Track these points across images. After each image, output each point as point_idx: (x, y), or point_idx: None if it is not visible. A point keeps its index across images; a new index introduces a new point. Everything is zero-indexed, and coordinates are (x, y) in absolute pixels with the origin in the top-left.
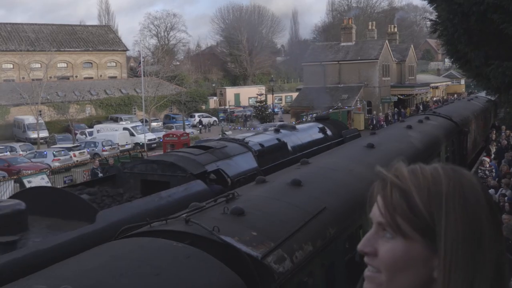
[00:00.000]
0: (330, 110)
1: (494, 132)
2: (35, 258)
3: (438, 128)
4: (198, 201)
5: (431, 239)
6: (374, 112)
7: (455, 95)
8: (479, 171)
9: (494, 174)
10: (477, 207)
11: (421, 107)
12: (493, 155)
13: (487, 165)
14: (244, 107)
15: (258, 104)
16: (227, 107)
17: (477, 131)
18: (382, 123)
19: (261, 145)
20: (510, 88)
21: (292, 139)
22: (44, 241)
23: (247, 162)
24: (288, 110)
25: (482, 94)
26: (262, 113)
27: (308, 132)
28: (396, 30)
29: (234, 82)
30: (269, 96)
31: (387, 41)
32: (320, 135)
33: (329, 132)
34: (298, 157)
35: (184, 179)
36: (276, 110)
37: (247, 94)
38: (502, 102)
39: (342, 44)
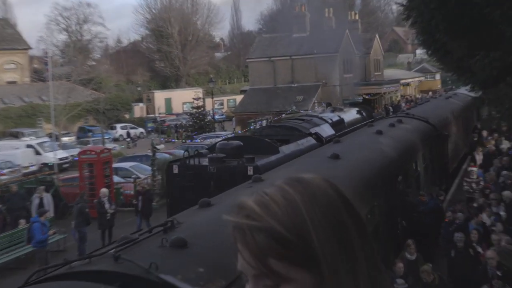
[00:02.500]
0: (283, 115)
1: (477, 135)
2: None
3: (413, 132)
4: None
5: (314, 266)
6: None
7: (430, 93)
8: (465, 183)
9: (481, 186)
10: (337, 211)
11: (391, 108)
12: (478, 164)
13: (474, 176)
14: (177, 114)
15: (194, 110)
16: (156, 115)
17: (459, 134)
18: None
19: (331, 119)
20: (499, 82)
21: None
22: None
23: (328, 129)
24: (232, 117)
25: (462, 90)
26: (200, 122)
27: (352, 113)
28: (357, 17)
29: (164, 85)
30: (208, 101)
31: (347, 31)
32: (359, 116)
33: (364, 114)
34: (352, 129)
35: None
36: (217, 117)
37: (181, 98)
38: (488, 100)
39: (295, 35)
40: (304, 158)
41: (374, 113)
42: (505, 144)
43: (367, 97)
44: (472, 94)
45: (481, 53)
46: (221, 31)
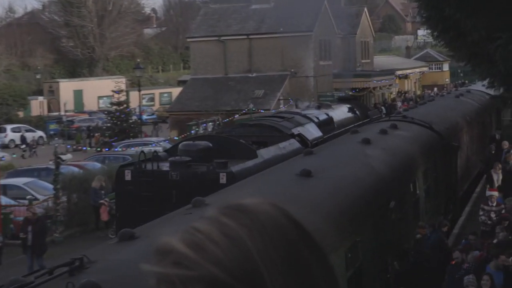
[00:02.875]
0: (236, 115)
1: (494, 147)
2: None
3: (412, 142)
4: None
5: None
6: None
7: (435, 89)
8: (481, 212)
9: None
10: (295, 248)
11: (383, 108)
12: (496, 185)
13: (494, 203)
14: (91, 112)
15: (114, 107)
16: (62, 113)
17: (472, 146)
18: None
19: (317, 118)
20: None
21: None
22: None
23: (315, 130)
24: (166, 117)
25: (477, 86)
26: (121, 123)
27: (343, 110)
28: None
29: (74, 72)
30: (134, 94)
31: (326, 2)
32: (351, 115)
33: (358, 112)
34: (343, 131)
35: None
36: (145, 117)
37: (96, 91)
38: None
39: (254, 6)
40: (263, 175)
41: (370, 112)
42: None
43: (351, 92)
44: (491, 91)
45: (504, 36)
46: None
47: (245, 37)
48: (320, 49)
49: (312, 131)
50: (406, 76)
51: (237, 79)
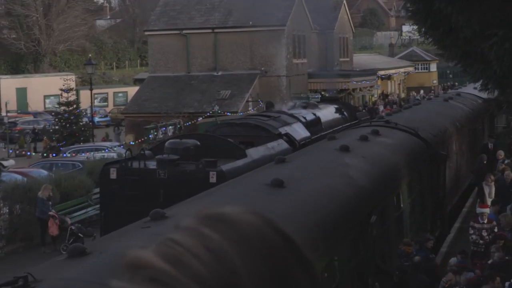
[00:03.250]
0: (200, 118)
1: (486, 157)
2: None
3: (395, 150)
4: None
5: None
6: None
7: (421, 91)
8: (471, 231)
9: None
10: (283, 261)
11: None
12: (490, 201)
13: (485, 220)
14: (36, 113)
15: (63, 108)
16: (3, 114)
17: (462, 155)
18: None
19: (304, 117)
20: None
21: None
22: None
23: (302, 130)
24: (121, 120)
25: (468, 89)
26: (71, 126)
27: (329, 111)
28: None
29: (17, 67)
30: (85, 93)
31: None
32: (339, 116)
33: (345, 113)
34: (331, 132)
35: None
36: (97, 119)
37: (42, 89)
38: (508, 104)
39: None
40: (230, 185)
41: (359, 113)
42: None
43: (327, 94)
44: (483, 94)
45: (499, 33)
46: None
47: (210, 31)
48: (293, 45)
49: (299, 131)
50: (389, 77)
51: (201, 78)
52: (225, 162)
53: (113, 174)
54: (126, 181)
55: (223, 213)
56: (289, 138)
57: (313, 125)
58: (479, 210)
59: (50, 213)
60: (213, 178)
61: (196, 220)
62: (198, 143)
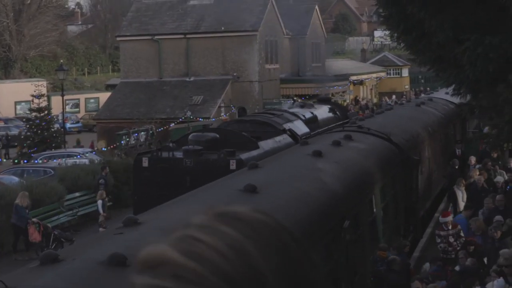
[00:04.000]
0: (172, 124)
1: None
2: None
3: (368, 155)
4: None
5: None
6: None
7: (393, 97)
8: (438, 240)
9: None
10: (295, 255)
11: None
12: (462, 206)
13: (450, 227)
14: (6, 120)
15: (34, 114)
16: None
17: (435, 159)
18: None
19: (304, 115)
20: (496, 81)
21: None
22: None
23: (302, 127)
24: (93, 126)
25: (440, 94)
26: (42, 132)
27: (324, 110)
28: None
29: None
30: (56, 99)
31: None
32: (332, 115)
33: (338, 113)
34: (326, 129)
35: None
36: (69, 125)
37: (13, 95)
38: (480, 108)
39: (192, 2)
40: (203, 191)
41: (349, 113)
42: (501, 176)
43: (300, 100)
44: (455, 99)
45: (472, 38)
46: None
47: (182, 36)
48: (266, 51)
49: (300, 128)
50: (361, 82)
51: (173, 83)
52: (242, 153)
53: (145, 163)
54: (156, 169)
55: (235, 211)
56: (292, 133)
57: (311, 122)
58: (442, 219)
59: (34, 219)
60: (233, 166)
61: (212, 217)
62: (218, 136)
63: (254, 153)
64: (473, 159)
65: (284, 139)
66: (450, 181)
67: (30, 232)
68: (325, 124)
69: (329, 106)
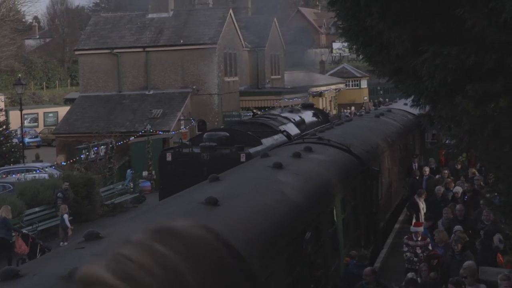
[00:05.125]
0: (131, 138)
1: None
2: None
3: (328, 166)
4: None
5: None
6: None
7: (352, 108)
8: (405, 248)
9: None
10: (233, 276)
11: None
12: (423, 217)
13: (419, 238)
14: None
15: None
16: None
17: (394, 170)
18: None
19: (294, 119)
20: (455, 92)
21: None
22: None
23: (294, 128)
24: (52, 140)
25: (399, 105)
26: (1, 147)
27: (309, 114)
28: None
29: None
30: (14, 114)
31: (231, 12)
32: (316, 119)
33: (320, 117)
34: (312, 131)
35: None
36: (27, 139)
37: None
38: (438, 119)
39: (151, 15)
40: (165, 204)
41: (330, 117)
42: (459, 187)
43: (259, 112)
44: (414, 110)
45: (431, 49)
46: (36, 7)
47: (141, 49)
48: (225, 63)
49: (292, 129)
50: (320, 94)
51: (132, 97)
52: (249, 148)
53: (169, 157)
54: (178, 162)
55: (173, 228)
56: (286, 133)
57: (300, 124)
58: (413, 229)
59: (24, 231)
60: (243, 158)
61: (146, 235)
62: (228, 134)
63: (259, 148)
64: (426, 169)
65: (280, 137)
66: (411, 192)
67: (19, 244)
68: (311, 126)
69: (312, 111)
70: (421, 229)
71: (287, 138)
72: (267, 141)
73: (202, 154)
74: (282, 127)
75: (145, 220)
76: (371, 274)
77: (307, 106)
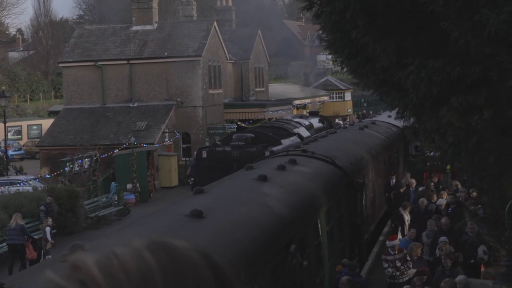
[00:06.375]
0: (116, 150)
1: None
2: None
3: (313, 179)
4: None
5: None
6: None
7: (337, 120)
8: (385, 265)
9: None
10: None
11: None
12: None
13: (396, 251)
14: None
15: None
16: None
17: (379, 182)
18: None
19: (304, 124)
20: (439, 104)
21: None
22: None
23: (305, 132)
24: (36, 153)
25: (383, 117)
26: None
27: (316, 120)
28: (231, 3)
29: None
30: None
31: (215, 24)
32: (321, 125)
33: (325, 123)
34: (319, 135)
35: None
36: (11, 152)
37: None
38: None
39: (135, 28)
40: (150, 217)
41: (334, 123)
42: (443, 199)
43: (243, 124)
44: (398, 122)
45: (415, 62)
46: (20, 19)
47: (125, 62)
48: (209, 76)
49: (304, 132)
50: (304, 106)
51: (117, 109)
52: (272, 146)
53: (204, 154)
54: (212, 158)
55: (171, 244)
56: (300, 136)
57: (310, 128)
58: (389, 243)
59: (35, 236)
60: (267, 154)
61: (144, 242)
62: (253, 135)
63: (279, 147)
64: (413, 182)
65: (295, 139)
66: (395, 205)
67: (29, 250)
68: (318, 130)
69: (318, 118)
70: (396, 242)
71: (300, 140)
72: (285, 142)
73: (233, 151)
74: (295, 130)
75: (130, 232)
76: (347, 283)
77: (313, 113)
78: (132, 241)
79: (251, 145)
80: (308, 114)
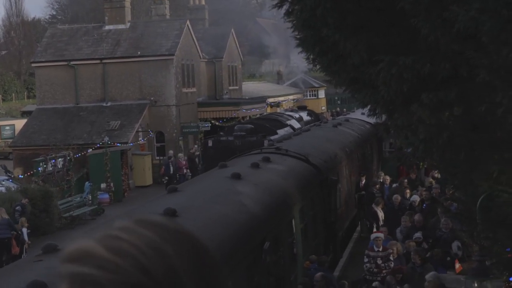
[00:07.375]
0: (89, 150)
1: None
2: None
3: (287, 176)
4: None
5: None
6: (171, 152)
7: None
8: (366, 259)
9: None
10: (209, 266)
11: None
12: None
13: (380, 248)
14: None
15: None
16: None
17: (352, 180)
18: (185, 171)
19: (295, 116)
20: (410, 101)
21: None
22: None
23: (296, 123)
24: (9, 153)
25: (357, 114)
26: None
27: (305, 114)
28: (204, 2)
29: None
30: None
31: (188, 23)
32: (310, 118)
33: (313, 116)
34: (309, 127)
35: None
36: None
37: None
38: (395, 127)
39: (108, 27)
40: (124, 217)
41: (320, 116)
42: (417, 195)
43: (217, 123)
44: (371, 119)
45: (386, 59)
46: None
47: (98, 61)
48: (182, 74)
49: (295, 124)
50: (278, 104)
51: (90, 109)
52: (269, 136)
53: (209, 143)
54: (217, 147)
55: (155, 219)
56: (292, 127)
57: (300, 120)
58: (373, 235)
59: (18, 232)
60: (266, 143)
61: (130, 222)
62: (253, 126)
63: (276, 136)
64: (387, 178)
65: (288, 129)
66: (368, 202)
67: (13, 245)
68: (307, 123)
69: (307, 111)
70: (381, 235)
71: (292, 130)
72: (280, 132)
73: (235, 141)
74: (288, 122)
75: (106, 232)
76: (321, 280)
77: (302, 108)
78: (118, 223)
79: (251, 135)
80: (297, 109)
